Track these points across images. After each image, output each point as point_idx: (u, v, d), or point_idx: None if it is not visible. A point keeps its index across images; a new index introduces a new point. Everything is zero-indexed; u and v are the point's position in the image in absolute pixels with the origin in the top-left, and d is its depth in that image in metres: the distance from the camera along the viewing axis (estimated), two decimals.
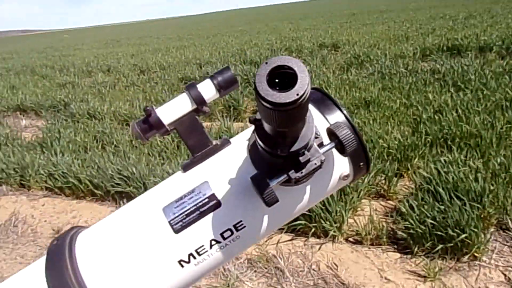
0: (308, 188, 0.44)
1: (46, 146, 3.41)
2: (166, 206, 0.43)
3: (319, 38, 8.70)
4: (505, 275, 1.65)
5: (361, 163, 0.45)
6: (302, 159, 0.38)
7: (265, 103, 0.30)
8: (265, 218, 0.44)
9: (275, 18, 26.51)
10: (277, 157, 0.39)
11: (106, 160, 2.81)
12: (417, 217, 1.85)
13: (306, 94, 0.30)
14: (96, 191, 2.61)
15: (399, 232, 1.89)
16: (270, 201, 0.38)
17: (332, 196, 2.03)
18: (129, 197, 2.49)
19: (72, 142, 3.41)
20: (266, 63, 0.31)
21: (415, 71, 4.33)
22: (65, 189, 2.75)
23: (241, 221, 0.43)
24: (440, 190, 1.95)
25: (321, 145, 0.41)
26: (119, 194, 2.54)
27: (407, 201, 2.01)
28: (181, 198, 0.43)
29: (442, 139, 2.56)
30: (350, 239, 2.00)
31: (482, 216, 1.83)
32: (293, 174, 0.39)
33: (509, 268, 1.67)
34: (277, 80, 0.31)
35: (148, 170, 2.55)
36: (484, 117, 2.71)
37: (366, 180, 2.20)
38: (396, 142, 2.54)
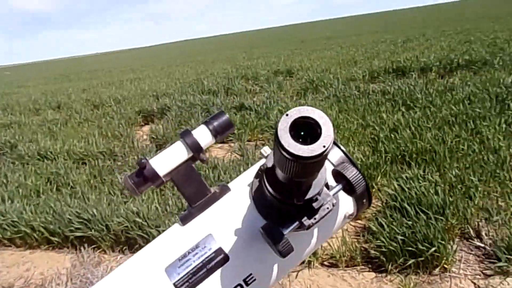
0: (315, 231, 0.43)
1: None
2: (168, 266, 0.39)
3: (273, 65, 8.99)
4: (474, 283, 1.71)
5: (364, 200, 0.45)
6: (315, 205, 0.37)
7: (288, 156, 0.29)
8: (275, 267, 0.42)
9: (228, 47, 27.13)
10: (289, 205, 0.37)
11: (62, 203, 2.61)
12: (387, 234, 1.90)
13: (331, 145, 0.29)
14: (52, 238, 2.41)
15: (372, 251, 1.91)
16: (286, 252, 0.37)
17: None
18: (91, 241, 2.32)
19: (22, 186, 3.15)
20: (287, 115, 0.30)
21: (367, 93, 4.58)
22: (15, 239, 2.51)
23: (251, 274, 0.40)
24: (406, 205, 2.03)
25: (327, 186, 0.40)
26: (79, 239, 2.36)
27: (377, 219, 2.06)
28: (184, 256, 0.39)
29: (400, 156, 2.69)
30: (326, 263, 1.99)
31: (446, 228, 1.91)
32: (306, 221, 0.37)
33: (477, 276, 1.74)
34: (302, 133, 0.30)
35: (110, 211, 2.40)
36: (435, 132, 2.90)
37: None
38: (359, 162, 2.63)
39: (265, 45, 21.93)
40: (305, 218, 0.37)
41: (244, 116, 4.31)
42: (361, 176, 0.39)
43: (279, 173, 0.35)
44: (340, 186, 0.40)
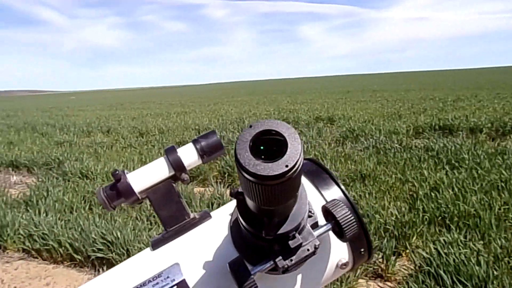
0: (299, 277, 0.37)
1: (32, 204, 3.28)
2: None
3: (315, 111, 9.02)
4: None
5: (362, 249, 0.39)
6: (292, 243, 0.32)
7: (247, 175, 0.25)
8: None
9: (274, 91, 27.85)
10: (262, 240, 0.33)
11: (91, 222, 2.68)
12: None
13: (297, 166, 0.25)
14: (75, 255, 2.44)
15: None
16: None
17: None
18: (110, 264, 2.32)
19: (59, 201, 3.29)
20: (251, 126, 0.27)
21: (409, 147, 4.40)
22: (42, 252, 2.58)
23: None
24: (442, 273, 1.83)
25: (315, 225, 0.35)
26: (100, 260, 2.37)
27: (407, 283, 1.88)
28: (144, 284, 0.35)
29: (440, 218, 2.48)
30: None
31: None
32: (280, 262, 0.32)
33: None
34: (262, 148, 0.26)
35: (133, 235, 2.42)
36: (481, 196, 2.68)
37: None
38: (393, 218, 2.46)
39: (310, 92, 22.24)
40: (280, 258, 0.32)
41: None
42: (353, 218, 0.33)
43: (247, 199, 0.31)
44: (328, 226, 0.34)
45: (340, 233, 0.34)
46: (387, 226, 2.39)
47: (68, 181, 4.01)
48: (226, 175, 3.91)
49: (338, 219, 0.33)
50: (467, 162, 3.52)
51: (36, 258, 2.61)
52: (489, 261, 1.92)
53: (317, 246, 0.33)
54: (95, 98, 39.47)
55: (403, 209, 2.66)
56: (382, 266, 2.12)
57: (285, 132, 0.26)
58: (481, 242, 2.16)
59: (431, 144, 4.35)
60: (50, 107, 22.32)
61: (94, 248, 2.37)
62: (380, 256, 2.16)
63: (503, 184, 2.89)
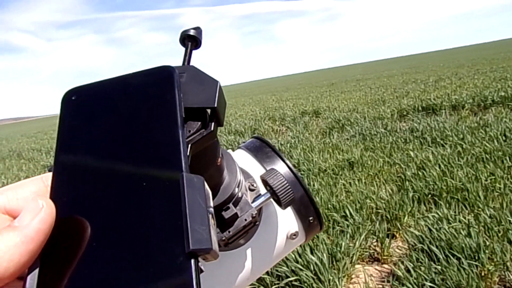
0: (248, 252, 0.37)
1: None
2: None
3: (300, 106, 9.06)
4: None
5: (311, 218, 0.39)
6: (226, 214, 0.32)
7: None
8: None
9: (259, 91, 27.91)
10: None
11: None
12: (414, 280, 1.72)
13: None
14: None
15: None
16: None
17: (322, 263, 1.90)
18: None
19: None
20: None
21: (394, 130, 4.44)
22: None
23: None
24: (434, 248, 1.85)
25: (258, 198, 0.36)
26: None
27: (403, 263, 1.89)
28: None
29: (429, 195, 2.51)
30: None
31: (482, 274, 1.71)
32: (219, 235, 0.32)
33: None
34: None
35: None
36: (467, 170, 2.71)
37: (357, 244, 2.09)
38: (384, 201, 2.48)
39: (295, 88, 22.34)
40: (218, 231, 0.32)
41: None
42: (286, 184, 0.34)
43: None
44: (267, 195, 0.35)
45: (278, 201, 0.35)
46: (378, 210, 2.41)
47: None
48: None
49: (273, 186, 0.34)
50: (450, 138, 3.57)
51: None
52: (479, 231, 1.95)
53: (254, 215, 0.33)
54: None
55: (391, 191, 2.68)
56: (378, 249, 2.13)
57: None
58: (471, 214, 2.19)
59: (415, 125, 4.40)
60: (35, 132, 21.99)
61: None
62: (374, 240, 2.17)
63: (487, 156, 2.93)
